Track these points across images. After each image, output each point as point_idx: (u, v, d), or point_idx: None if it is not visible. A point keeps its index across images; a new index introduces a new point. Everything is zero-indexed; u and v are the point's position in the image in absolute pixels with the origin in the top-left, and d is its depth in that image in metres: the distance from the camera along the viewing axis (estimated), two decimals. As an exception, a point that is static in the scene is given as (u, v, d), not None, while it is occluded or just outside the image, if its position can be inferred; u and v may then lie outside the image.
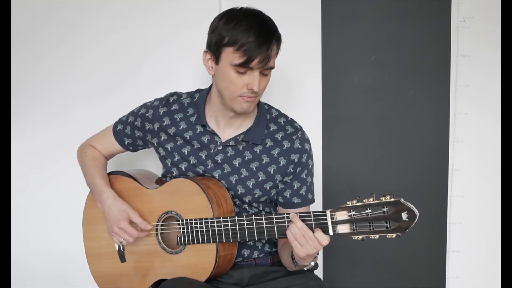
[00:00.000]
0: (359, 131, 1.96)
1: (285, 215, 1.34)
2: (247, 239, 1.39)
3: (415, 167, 1.97)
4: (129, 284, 1.55)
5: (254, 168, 1.48)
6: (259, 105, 1.52)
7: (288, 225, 1.32)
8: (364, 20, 1.92)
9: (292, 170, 1.49)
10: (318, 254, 1.35)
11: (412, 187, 1.96)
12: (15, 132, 1.94)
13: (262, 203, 1.53)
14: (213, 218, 1.41)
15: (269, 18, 1.39)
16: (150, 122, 1.54)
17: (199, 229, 1.42)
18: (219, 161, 1.49)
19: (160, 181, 1.63)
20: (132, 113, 1.60)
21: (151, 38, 1.90)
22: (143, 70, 1.92)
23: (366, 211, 1.26)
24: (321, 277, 1.80)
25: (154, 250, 1.51)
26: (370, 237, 1.27)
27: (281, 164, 1.48)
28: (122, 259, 1.55)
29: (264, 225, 1.36)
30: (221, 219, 1.40)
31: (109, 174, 1.61)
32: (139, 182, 1.56)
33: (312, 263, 1.36)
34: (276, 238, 1.38)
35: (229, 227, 1.39)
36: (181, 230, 1.45)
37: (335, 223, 1.29)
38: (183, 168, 1.51)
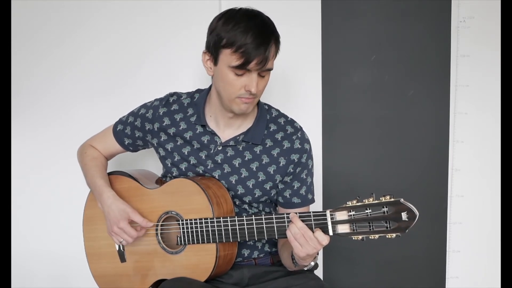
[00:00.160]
0: (359, 131, 1.96)
1: (285, 215, 1.34)
2: (247, 239, 1.39)
3: (415, 167, 1.97)
4: (129, 284, 1.55)
5: (254, 168, 1.48)
6: (259, 105, 1.52)
7: (288, 225, 1.32)
8: (364, 20, 1.92)
9: (292, 170, 1.49)
10: (318, 254, 1.35)
11: (412, 187, 1.96)
12: (15, 132, 1.94)
13: (262, 203, 1.53)
14: (213, 218, 1.41)
15: (268, 19, 1.38)
16: (150, 122, 1.54)
17: (199, 229, 1.42)
18: (219, 161, 1.49)
19: (160, 181, 1.63)
20: (132, 113, 1.60)
21: (151, 38, 1.90)
22: (143, 70, 1.92)
23: (366, 211, 1.26)
24: (321, 277, 1.80)
25: (154, 250, 1.51)
26: (370, 237, 1.27)
27: (281, 164, 1.48)
28: (122, 259, 1.55)
29: (264, 225, 1.36)
30: (221, 219, 1.40)
31: (109, 174, 1.61)
32: (139, 182, 1.56)
33: (312, 263, 1.36)
34: (276, 238, 1.38)
35: (229, 227, 1.39)
36: (181, 230, 1.45)
37: (335, 223, 1.29)
38: (183, 168, 1.51)
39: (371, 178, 1.97)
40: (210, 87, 1.52)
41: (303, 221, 1.30)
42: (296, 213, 1.32)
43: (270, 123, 1.51)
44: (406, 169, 1.97)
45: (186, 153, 1.51)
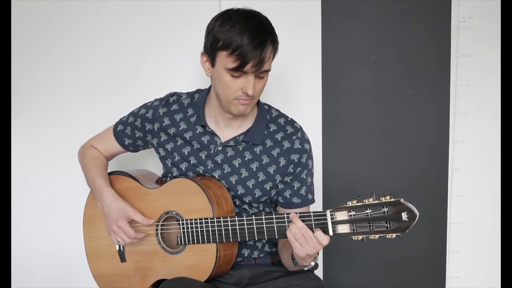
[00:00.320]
0: (359, 131, 1.96)
1: (285, 215, 1.34)
2: (247, 239, 1.39)
3: (415, 167, 1.97)
4: (129, 284, 1.55)
5: (254, 169, 1.48)
6: (259, 105, 1.52)
7: (288, 225, 1.32)
8: (364, 20, 1.92)
9: (292, 170, 1.49)
10: (318, 254, 1.35)
11: (412, 187, 1.96)
12: (15, 132, 1.94)
13: (262, 203, 1.53)
14: (213, 218, 1.41)
15: (266, 19, 1.37)
16: (150, 122, 1.54)
17: (199, 229, 1.42)
18: (219, 161, 1.49)
19: (161, 181, 1.63)
20: (132, 114, 1.60)
21: (151, 38, 1.90)
22: (143, 70, 1.92)
23: (366, 211, 1.26)
24: (321, 277, 1.80)
25: (154, 250, 1.51)
26: (370, 237, 1.27)
27: (281, 164, 1.48)
28: (122, 259, 1.55)
29: (264, 225, 1.36)
30: (221, 219, 1.40)
31: (110, 174, 1.61)
32: (139, 182, 1.56)
33: (312, 263, 1.36)
34: (276, 238, 1.38)
35: (229, 227, 1.39)
36: (181, 230, 1.45)
37: (335, 223, 1.29)
38: (183, 168, 1.51)
39: (371, 178, 1.97)
40: (210, 88, 1.52)
41: (303, 221, 1.30)
42: (296, 213, 1.32)
43: (270, 123, 1.51)
44: (406, 169, 1.97)
45: (186, 153, 1.51)
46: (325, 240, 1.28)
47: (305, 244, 1.28)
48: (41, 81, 1.93)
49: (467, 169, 1.97)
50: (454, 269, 2.01)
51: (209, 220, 1.41)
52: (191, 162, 1.50)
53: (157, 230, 1.50)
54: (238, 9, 1.37)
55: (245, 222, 1.38)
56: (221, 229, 1.40)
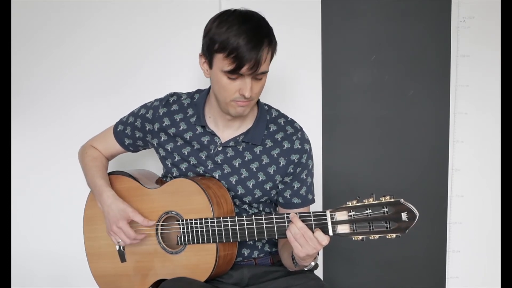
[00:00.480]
0: (359, 131, 1.96)
1: (285, 215, 1.34)
2: (247, 239, 1.39)
3: (415, 167, 1.97)
4: (129, 284, 1.55)
5: (254, 169, 1.48)
6: (259, 105, 1.52)
7: (288, 225, 1.32)
8: (364, 20, 1.92)
9: (292, 171, 1.49)
10: (318, 254, 1.35)
11: (412, 187, 1.96)
12: (15, 132, 1.94)
13: (262, 203, 1.53)
14: (213, 218, 1.41)
15: (263, 21, 1.36)
16: (150, 122, 1.54)
17: (199, 229, 1.42)
18: (219, 161, 1.49)
19: (161, 181, 1.63)
20: (132, 114, 1.60)
21: (151, 38, 1.90)
22: (143, 70, 1.92)
23: (366, 211, 1.26)
24: (321, 277, 1.80)
25: (154, 250, 1.51)
26: (370, 238, 1.27)
27: (281, 165, 1.48)
28: (122, 259, 1.55)
29: (264, 225, 1.36)
30: (221, 219, 1.40)
31: (110, 174, 1.61)
32: (139, 182, 1.56)
33: (312, 263, 1.36)
34: (276, 238, 1.38)
35: (229, 227, 1.39)
36: (181, 230, 1.45)
37: (335, 223, 1.29)
38: (183, 169, 1.51)
39: (371, 178, 1.97)
40: (209, 88, 1.52)
41: (303, 221, 1.30)
42: (296, 213, 1.32)
43: (270, 124, 1.51)
44: (406, 169, 1.97)
45: (186, 153, 1.51)
46: (325, 240, 1.28)
47: (305, 244, 1.28)
48: (41, 81, 1.93)
49: (467, 169, 1.97)
50: (454, 269, 2.01)
51: (209, 220, 1.41)
52: (191, 162, 1.50)
53: (157, 230, 1.50)
54: (235, 10, 1.36)
55: (245, 222, 1.38)
56: (221, 229, 1.40)
